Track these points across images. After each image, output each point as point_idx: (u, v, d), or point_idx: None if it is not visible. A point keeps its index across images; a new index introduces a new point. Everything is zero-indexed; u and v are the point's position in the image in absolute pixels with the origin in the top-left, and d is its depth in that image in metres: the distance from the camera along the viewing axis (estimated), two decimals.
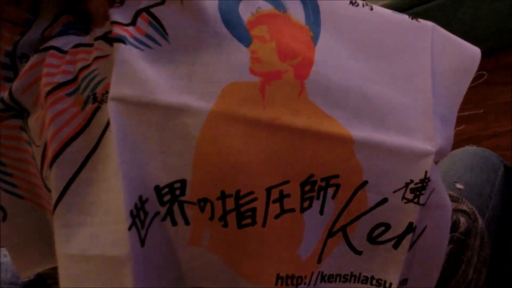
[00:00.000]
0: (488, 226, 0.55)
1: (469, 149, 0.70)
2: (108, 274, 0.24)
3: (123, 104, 0.25)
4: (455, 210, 0.41)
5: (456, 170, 0.63)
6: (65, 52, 0.28)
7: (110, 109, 0.24)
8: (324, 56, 0.27)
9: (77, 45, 0.28)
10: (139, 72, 0.25)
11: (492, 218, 0.57)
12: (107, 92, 0.25)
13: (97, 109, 0.26)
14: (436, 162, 0.29)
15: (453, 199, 0.44)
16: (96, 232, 0.25)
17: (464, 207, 0.41)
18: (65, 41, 0.29)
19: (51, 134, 0.26)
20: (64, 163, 0.26)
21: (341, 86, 0.27)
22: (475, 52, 0.32)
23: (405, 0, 1.94)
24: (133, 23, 0.27)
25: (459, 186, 0.61)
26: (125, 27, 0.26)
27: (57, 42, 0.29)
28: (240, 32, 0.26)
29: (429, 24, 0.31)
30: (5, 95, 0.30)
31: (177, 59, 0.26)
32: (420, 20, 0.31)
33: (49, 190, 0.28)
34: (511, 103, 1.57)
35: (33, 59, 0.29)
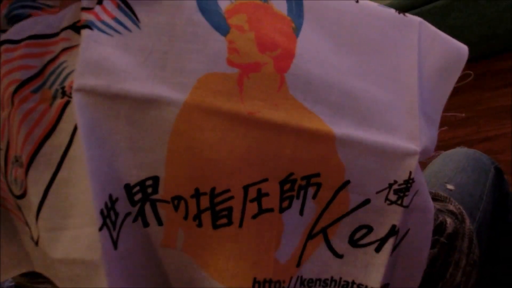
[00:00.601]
0: (479, 227, 0.54)
1: (460, 150, 0.69)
2: (87, 278, 0.23)
3: (89, 96, 0.23)
4: (442, 211, 0.40)
5: (447, 171, 0.63)
6: (18, 42, 0.26)
7: (75, 102, 0.22)
8: (306, 48, 0.26)
9: (40, 37, 0.26)
10: (106, 60, 0.23)
11: (483, 220, 0.56)
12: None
13: (66, 104, 0.24)
14: (423, 165, 0.28)
15: (440, 198, 0.43)
16: (76, 235, 0.23)
17: (451, 207, 0.40)
18: (17, 29, 0.26)
19: (23, 137, 0.24)
20: (41, 166, 0.24)
21: (323, 81, 0.26)
22: (463, 49, 0.31)
23: (394, 6, 1.95)
24: (99, 1, 0.25)
25: (449, 186, 0.61)
26: (92, 10, 0.24)
27: (9, 34, 0.27)
28: (217, 20, 0.25)
29: (417, 19, 0.30)
30: None
31: (148, 47, 0.24)
32: (407, 15, 0.30)
33: (14, 195, 0.27)
34: (501, 107, 1.58)
35: None
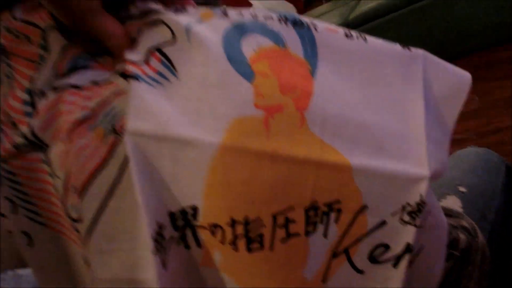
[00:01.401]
0: (492, 228, 0.56)
1: (471, 151, 0.71)
2: None
3: (139, 137, 0.27)
4: (455, 227, 0.42)
5: (458, 172, 0.65)
6: (81, 88, 0.30)
7: (128, 143, 0.27)
8: (322, 88, 0.29)
9: (95, 82, 0.30)
10: (152, 107, 0.27)
11: (495, 219, 0.58)
12: (126, 125, 0.28)
13: (116, 142, 0.28)
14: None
15: (453, 214, 0.45)
16: (126, 258, 0.27)
17: (464, 223, 0.43)
18: (80, 77, 0.31)
19: (77, 169, 0.28)
20: (93, 195, 0.28)
21: (338, 116, 0.29)
22: (466, 76, 0.34)
23: (401, 0, 1.96)
24: (145, 61, 0.29)
25: (461, 189, 0.63)
26: (139, 65, 0.28)
27: (73, 79, 0.31)
28: (243, 68, 0.28)
29: (420, 52, 0.33)
30: (26, 130, 0.32)
31: (186, 95, 0.28)
32: (411, 48, 0.33)
33: (72, 219, 0.31)
34: (510, 97, 1.58)
35: (52, 97, 0.31)
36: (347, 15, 2.11)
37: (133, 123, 0.27)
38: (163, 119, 0.27)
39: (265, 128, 0.27)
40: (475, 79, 0.34)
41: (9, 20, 0.35)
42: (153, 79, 0.28)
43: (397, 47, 0.32)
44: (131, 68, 0.28)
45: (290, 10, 2.52)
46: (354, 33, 0.32)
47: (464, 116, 0.34)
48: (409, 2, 1.93)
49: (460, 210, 0.65)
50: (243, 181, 0.27)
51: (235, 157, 0.27)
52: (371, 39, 0.32)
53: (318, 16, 2.41)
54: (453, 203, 0.68)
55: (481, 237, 0.42)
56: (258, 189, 0.27)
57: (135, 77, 0.28)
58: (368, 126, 0.30)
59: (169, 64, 0.28)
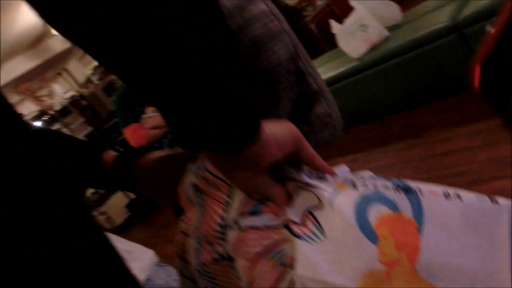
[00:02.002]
0: None
1: None
2: None
3: (304, 279, 0.42)
4: None
5: None
6: (258, 229, 0.47)
7: (297, 281, 0.42)
8: (427, 242, 0.41)
9: (267, 226, 0.46)
10: (311, 260, 0.42)
11: None
12: (291, 263, 0.43)
13: (285, 271, 0.44)
14: None
15: None
16: None
17: None
18: (257, 220, 0.47)
19: (260, 285, 0.45)
20: None
21: (440, 263, 0.41)
22: None
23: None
24: (302, 223, 0.44)
25: None
26: (299, 226, 0.43)
27: (252, 221, 0.47)
28: (370, 234, 0.41)
29: (507, 203, 0.42)
30: (221, 251, 0.50)
31: (332, 251, 0.42)
32: (499, 201, 0.42)
33: None
34: None
35: (238, 232, 0.48)
36: (455, 15, 2.04)
37: (300, 271, 0.42)
38: (318, 269, 0.42)
39: (387, 278, 0.41)
40: None
41: (202, 171, 0.53)
42: (310, 237, 0.43)
43: (487, 202, 0.43)
44: (295, 229, 0.43)
45: (394, 8, 2.50)
46: (451, 192, 0.43)
47: None
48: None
49: None
50: None
51: None
52: (465, 197, 0.43)
53: (423, 15, 2.35)
54: None
55: None
56: None
57: (298, 236, 0.43)
58: (463, 269, 0.41)
59: (319, 226, 0.43)
